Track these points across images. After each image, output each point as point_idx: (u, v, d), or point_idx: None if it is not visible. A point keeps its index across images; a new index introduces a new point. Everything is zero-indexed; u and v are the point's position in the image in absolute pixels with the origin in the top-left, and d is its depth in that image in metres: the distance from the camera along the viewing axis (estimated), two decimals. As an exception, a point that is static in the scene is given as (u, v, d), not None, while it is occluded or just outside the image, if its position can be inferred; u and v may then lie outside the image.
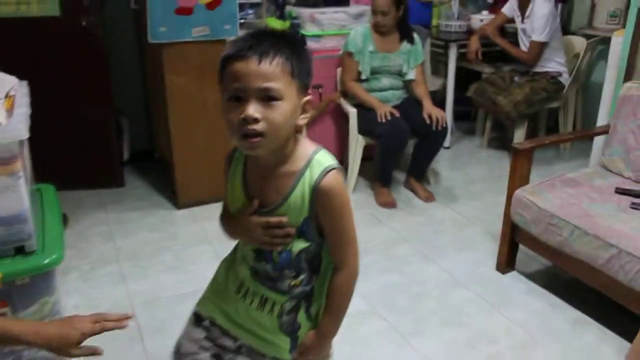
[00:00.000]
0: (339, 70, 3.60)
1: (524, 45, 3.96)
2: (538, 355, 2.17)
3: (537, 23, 3.81)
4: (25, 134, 1.75)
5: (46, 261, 1.87)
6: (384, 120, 3.23)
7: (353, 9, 3.83)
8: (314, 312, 1.31)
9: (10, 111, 1.84)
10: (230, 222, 1.34)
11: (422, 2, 4.38)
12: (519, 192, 2.48)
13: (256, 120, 1.08)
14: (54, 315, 1.98)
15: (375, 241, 2.97)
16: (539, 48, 3.85)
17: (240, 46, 1.09)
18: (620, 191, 2.49)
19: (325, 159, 1.20)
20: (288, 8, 3.77)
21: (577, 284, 2.41)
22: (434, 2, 4.56)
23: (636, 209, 2.34)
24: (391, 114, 3.25)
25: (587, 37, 4.13)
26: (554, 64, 3.91)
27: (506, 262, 2.66)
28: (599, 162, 2.84)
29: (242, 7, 3.30)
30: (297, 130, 1.18)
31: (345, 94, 3.56)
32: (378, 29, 3.38)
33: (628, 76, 2.85)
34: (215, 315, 1.38)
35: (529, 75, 3.93)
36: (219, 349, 1.38)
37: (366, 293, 2.47)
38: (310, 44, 3.65)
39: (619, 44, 2.97)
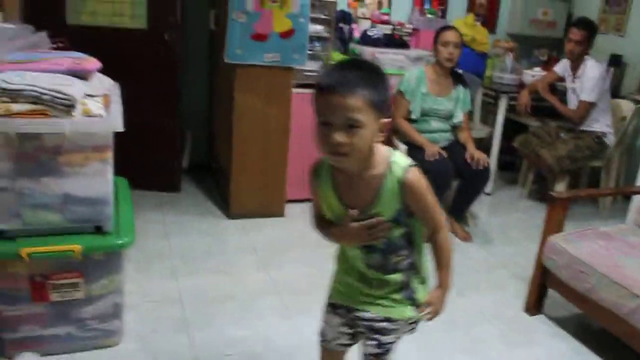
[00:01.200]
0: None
1: (573, 104, 4.11)
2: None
3: (587, 84, 3.97)
4: (120, 127, 2.01)
5: (120, 242, 2.11)
6: (432, 159, 3.41)
7: (412, 52, 4.08)
8: (423, 276, 1.60)
9: (107, 107, 2.11)
10: (331, 230, 1.56)
11: (478, 53, 4.58)
12: (552, 238, 2.61)
13: (340, 145, 1.33)
14: (119, 292, 2.21)
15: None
16: (587, 108, 3.99)
17: (329, 81, 1.32)
18: (652, 249, 2.60)
19: (401, 159, 1.46)
20: (352, 45, 4.04)
21: (603, 333, 2.51)
22: (489, 53, 4.77)
23: (665, 266, 2.45)
24: (439, 153, 3.43)
25: (636, 102, 4.25)
26: (600, 124, 4.04)
27: (534, 305, 2.78)
28: (635, 220, 2.95)
29: (311, 39, 3.56)
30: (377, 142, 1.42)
31: (396, 132, 3.76)
32: (445, 63, 3.53)
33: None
34: (347, 302, 1.63)
35: (574, 132, 4.07)
36: (355, 330, 1.66)
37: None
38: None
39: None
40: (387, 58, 3.93)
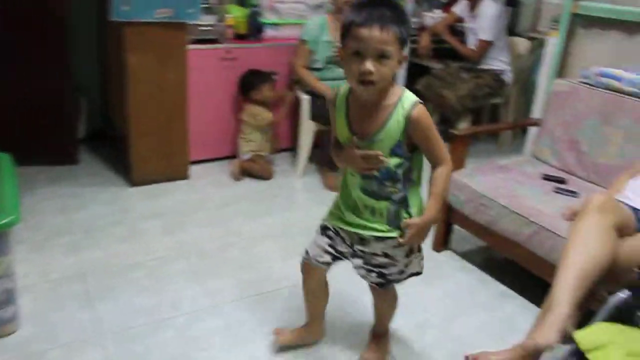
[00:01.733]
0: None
1: (472, 44, 4.20)
2: (463, 322, 2.37)
3: (484, 23, 4.05)
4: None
5: (2, 222, 1.96)
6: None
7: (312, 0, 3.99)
8: (413, 210, 1.74)
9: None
10: (338, 152, 1.76)
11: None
12: (454, 175, 2.68)
13: (371, 73, 1.52)
14: (8, 276, 2.07)
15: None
16: (485, 46, 4.09)
17: (365, 16, 1.52)
18: (546, 177, 2.72)
19: (411, 95, 1.65)
20: (249, -5, 3.90)
21: (505, 261, 2.63)
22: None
23: (559, 192, 2.58)
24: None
25: (531, 39, 4.40)
26: (498, 62, 4.16)
27: (441, 242, 2.87)
28: (531, 151, 3.07)
29: (205, -8, 3.41)
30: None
31: (297, 81, 3.71)
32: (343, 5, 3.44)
33: (560, 74, 3.10)
34: (338, 223, 1.83)
35: (474, 71, 4.17)
36: (338, 253, 1.88)
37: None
38: (269, 32, 3.80)
39: (554, 45, 3.22)
40: (286, 7, 3.84)
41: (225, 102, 3.72)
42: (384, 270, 1.83)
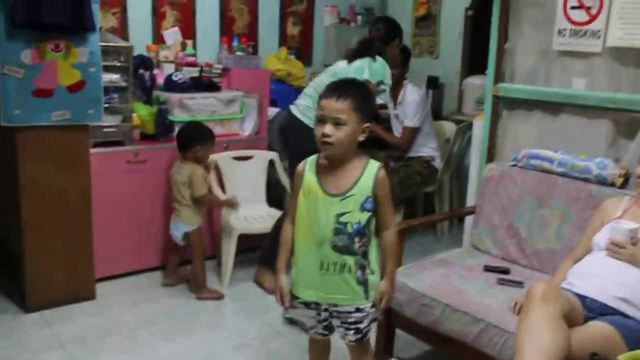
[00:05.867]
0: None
1: (397, 131, 4.40)
2: None
3: (409, 109, 4.29)
4: None
5: None
6: None
7: (224, 94, 4.10)
8: (373, 267, 2.12)
9: None
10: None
11: (296, 88, 4.74)
12: (392, 274, 2.71)
13: (328, 135, 1.97)
14: None
15: (250, 335, 3.10)
16: (412, 133, 4.30)
17: (329, 90, 2.03)
18: (488, 268, 2.81)
19: (374, 161, 2.11)
20: (155, 93, 3.96)
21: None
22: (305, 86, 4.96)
23: (503, 284, 2.66)
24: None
25: (457, 122, 4.67)
26: (426, 148, 4.37)
27: (384, 349, 2.84)
28: (470, 241, 3.18)
29: (107, 90, 3.42)
30: (357, 143, 2.05)
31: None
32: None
33: (490, 158, 3.28)
34: (313, 297, 2.13)
35: (403, 160, 4.34)
36: (328, 321, 2.19)
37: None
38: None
39: (480, 128, 3.42)
40: (196, 103, 3.91)
41: (136, 209, 3.67)
42: (360, 326, 2.14)
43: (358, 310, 2.12)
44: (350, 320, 2.14)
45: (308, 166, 2.13)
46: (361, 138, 2.04)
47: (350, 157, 2.07)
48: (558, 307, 2.04)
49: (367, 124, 2.04)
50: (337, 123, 1.97)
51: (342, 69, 3.43)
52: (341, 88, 2.02)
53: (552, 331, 2.00)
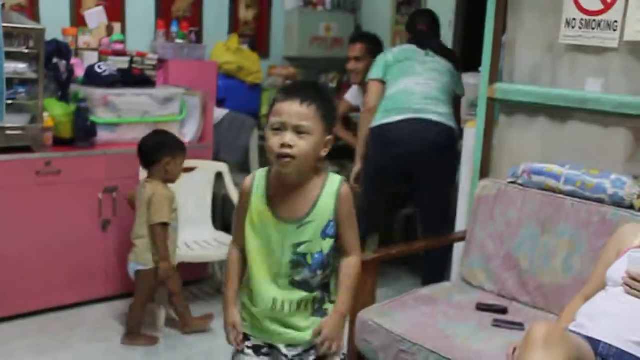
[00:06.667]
0: (140, 170, 3.67)
1: (372, 139, 4.40)
2: None
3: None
4: None
5: None
6: None
7: (160, 91, 4.06)
8: (333, 295, 2.08)
9: None
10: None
11: (249, 85, 4.74)
12: (363, 314, 2.70)
13: (290, 146, 1.89)
14: None
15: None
16: (389, 141, 4.30)
17: (287, 92, 1.97)
18: (482, 307, 2.82)
19: (335, 175, 2.06)
20: (73, 87, 3.90)
21: None
22: (263, 85, 4.96)
23: (499, 326, 2.67)
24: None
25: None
26: (408, 160, 4.37)
27: (355, 404, 2.84)
28: (460, 274, 3.19)
29: (11, 84, 3.36)
30: (319, 159, 2.00)
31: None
32: None
33: (484, 173, 3.29)
34: (265, 339, 2.10)
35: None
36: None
37: None
38: (103, 135, 3.77)
39: (472, 136, 3.43)
40: (124, 102, 3.86)
41: (46, 233, 3.59)
42: None
43: (311, 348, 2.08)
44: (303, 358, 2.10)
45: (256, 183, 2.07)
46: (323, 153, 2.00)
47: (309, 175, 2.02)
48: (564, 353, 2.05)
49: (330, 137, 2.01)
50: (300, 132, 1.91)
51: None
52: (304, 91, 1.97)
53: (557, 384, 2.00)
